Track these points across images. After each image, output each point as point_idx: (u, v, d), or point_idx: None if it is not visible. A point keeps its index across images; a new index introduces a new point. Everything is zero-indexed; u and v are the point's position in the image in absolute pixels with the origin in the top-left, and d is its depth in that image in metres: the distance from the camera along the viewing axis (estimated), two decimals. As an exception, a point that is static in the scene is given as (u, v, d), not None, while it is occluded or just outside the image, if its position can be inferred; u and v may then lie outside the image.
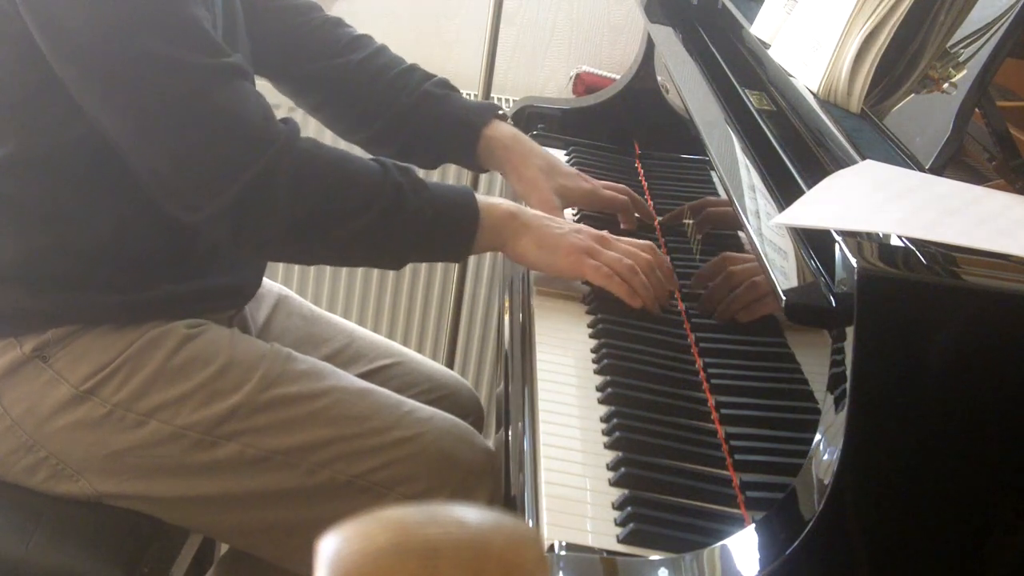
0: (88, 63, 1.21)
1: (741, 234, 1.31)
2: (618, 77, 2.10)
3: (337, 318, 1.68)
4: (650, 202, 1.68)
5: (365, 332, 1.67)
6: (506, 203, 1.38)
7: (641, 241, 1.39)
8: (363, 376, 1.53)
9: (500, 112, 1.61)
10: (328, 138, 2.44)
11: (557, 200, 1.53)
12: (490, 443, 1.43)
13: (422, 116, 1.58)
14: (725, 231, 1.42)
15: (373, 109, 1.60)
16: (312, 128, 2.46)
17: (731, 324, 1.28)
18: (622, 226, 1.57)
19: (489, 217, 1.34)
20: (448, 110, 1.59)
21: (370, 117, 1.60)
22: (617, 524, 1.00)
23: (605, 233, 1.38)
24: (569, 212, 1.61)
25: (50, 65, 1.23)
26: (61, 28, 1.20)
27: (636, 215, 1.58)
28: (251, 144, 1.24)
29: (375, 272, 2.56)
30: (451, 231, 1.33)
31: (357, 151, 2.41)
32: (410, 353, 1.68)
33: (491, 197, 1.39)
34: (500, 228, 1.35)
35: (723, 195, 1.40)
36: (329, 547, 0.51)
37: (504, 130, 1.59)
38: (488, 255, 2.52)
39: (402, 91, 1.58)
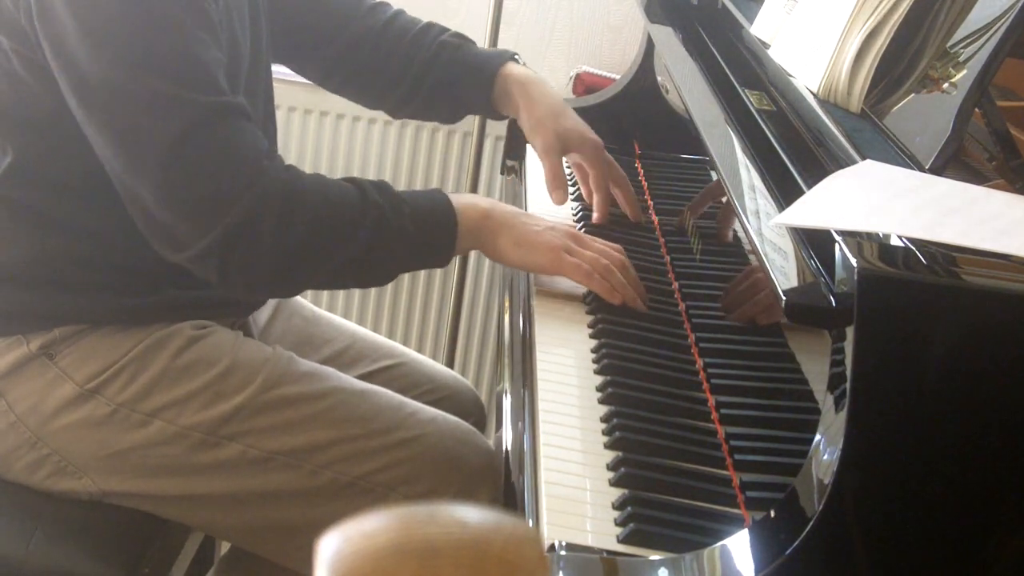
0: (88, 95, 1.22)
1: (741, 234, 1.31)
2: (618, 77, 2.10)
3: (339, 319, 1.68)
4: (650, 202, 1.68)
5: (366, 333, 1.68)
6: (480, 202, 1.38)
7: (611, 243, 1.39)
8: (365, 377, 1.53)
9: (515, 55, 1.62)
10: (348, 117, 2.45)
11: (557, 143, 1.54)
12: (490, 442, 1.43)
13: (440, 66, 1.60)
14: (718, 225, 1.42)
15: (399, 70, 1.61)
16: (329, 125, 2.46)
17: (732, 324, 1.28)
18: (621, 202, 1.58)
19: (466, 219, 1.34)
20: (463, 57, 1.61)
21: (396, 79, 1.62)
22: (617, 524, 1.00)
23: (579, 232, 1.39)
24: (569, 211, 1.61)
25: None
26: (70, 58, 1.21)
27: (624, 205, 1.60)
28: (236, 184, 1.23)
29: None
30: (433, 241, 1.34)
31: (377, 133, 2.43)
32: (412, 353, 1.68)
33: (464, 196, 1.39)
34: (477, 229, 1.35)
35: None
36: (329, 547, 0.51)
37: (519, 70, 1.60)
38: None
39: (421, 47, 1.60)
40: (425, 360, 1.68)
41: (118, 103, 1.21)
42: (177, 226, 1.24)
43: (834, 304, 0.89)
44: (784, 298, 0.95)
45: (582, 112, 1.95)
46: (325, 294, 2.57)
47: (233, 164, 1.24)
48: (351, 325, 1.68)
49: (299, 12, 1.58)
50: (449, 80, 1.60)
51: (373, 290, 2.58)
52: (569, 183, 1.76)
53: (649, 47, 1.90)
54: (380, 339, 1.68)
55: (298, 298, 1.67)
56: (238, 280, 1.27)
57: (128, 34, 1.20)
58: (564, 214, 1.60)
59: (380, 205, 1.29)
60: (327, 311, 1.70)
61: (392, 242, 1.30)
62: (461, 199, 1.36)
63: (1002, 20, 1.10)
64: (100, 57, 1.20)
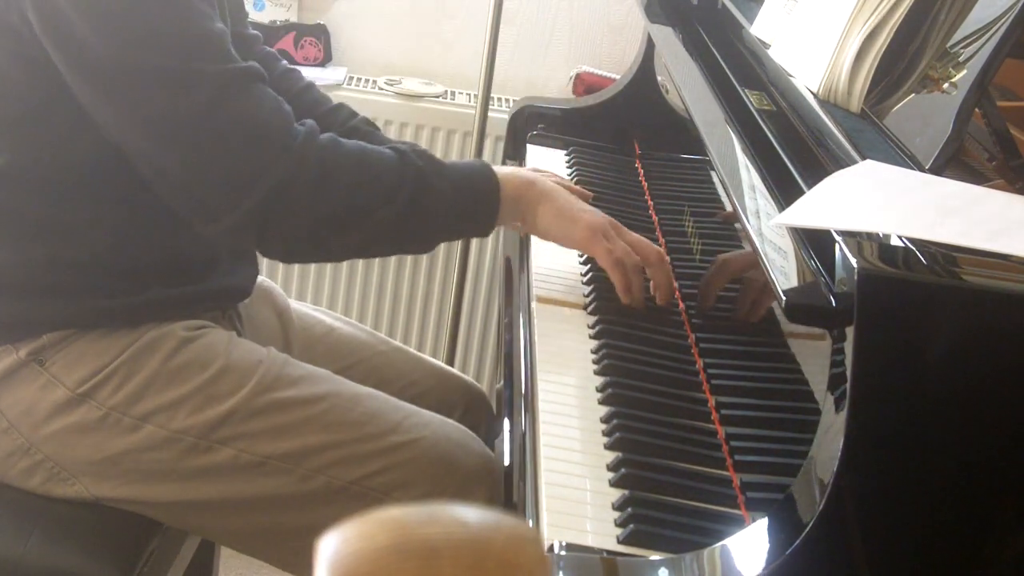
0: (103, 80, 1.22)
1: (740, 234, 1.31)
2: (618, 77, 2.10)
3: (312, 311, 1.63)
4: (650, 202, 1.68)
5: (341, 325, 1.62)
6: (524, 172, 1.39)
7: (649, 242, 1.38)
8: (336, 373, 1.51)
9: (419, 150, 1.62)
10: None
11: None
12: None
13: None
14: (726, 238, 1.42)
15: None
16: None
17: (731, 324, 1.28)
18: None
19: (509, 187, 1.35)
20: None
21: None
22: (617, 524, 1.00)
23: (616, 223, 1.39)
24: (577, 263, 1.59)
25: (57, 82, 1.23)
26: (78, 46, 1.20)
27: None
28: (270, 151, 1.23)
29: (374, 270, 2.55)
30: (475, 208, 1.34)
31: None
32: (390, 344, 1.62)
33: (507, 167, 1.39)
34: (520, 198, 1.36)
35: (723, 195, 1.40)
36: (329, 547, 0.51)
37: None
38: (488, 251, 2.52)
39: (332, 124, 1.59)
40: (404, 351, 1.63)
41: (136, 84, 1.21)
42: (211, 198, 1.25)
43: (834, 304, 0.89)
44: (784, 298, 0.95)
45: (582, 112, 1.96)
46: (312, 288, 2.56)
47: (262, 131, 1.24)
48: (326, 318, 1.63)
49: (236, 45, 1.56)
50: None
51: (372, 286, 2.58)
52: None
53: (649, 47, 1.90)
54: (353, 333, 1.62)
55: (273, 289, 1.65)
56: (277, 247, 1.29)
57: (132, 13, 1.19)
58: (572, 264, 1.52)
59: (420, 168, 1.30)
60: (321, 305, 1.66)
61: (431, 206, 1.30)
62: (504, 169, 1.38)
63: (1002, 20, 1.10)
64: (109, 40, 1.19)
